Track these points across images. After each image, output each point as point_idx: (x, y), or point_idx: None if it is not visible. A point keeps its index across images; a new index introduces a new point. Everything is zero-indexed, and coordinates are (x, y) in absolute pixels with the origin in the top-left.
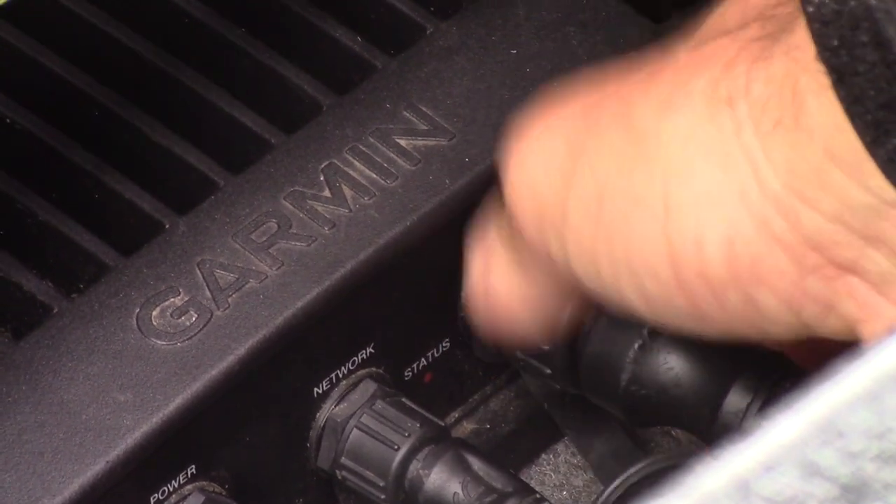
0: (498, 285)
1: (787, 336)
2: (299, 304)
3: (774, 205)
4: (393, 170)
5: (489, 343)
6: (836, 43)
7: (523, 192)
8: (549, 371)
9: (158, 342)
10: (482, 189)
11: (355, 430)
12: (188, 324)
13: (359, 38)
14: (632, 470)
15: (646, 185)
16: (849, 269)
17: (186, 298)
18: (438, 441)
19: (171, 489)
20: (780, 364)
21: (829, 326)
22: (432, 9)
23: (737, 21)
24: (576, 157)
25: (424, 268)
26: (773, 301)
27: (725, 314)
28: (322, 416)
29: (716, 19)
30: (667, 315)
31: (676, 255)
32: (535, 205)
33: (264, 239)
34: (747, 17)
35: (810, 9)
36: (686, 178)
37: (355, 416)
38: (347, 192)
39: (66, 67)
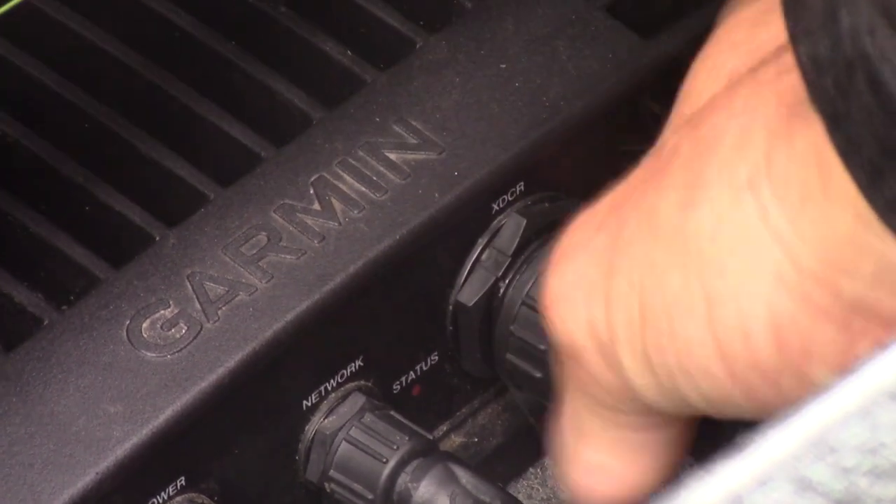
0: (593, 466)
1: None
2: (289, 316)
3: (813, 280)
4: (382, 183)
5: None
6: (831, 89)
7: (570, 329)
8: (539, 374)
9: (148, 354)
10: (471, 203)
11: (344, 443)
12: (178, 336)
13: (348, 52)
14: None
15: (683, 287)
16: None
17: (176, 311)
18: (427, 454)
19: (160, 501)
20: None
21: None
22: (422, 23)
23: (722, 78)
24: (609, 277)
25: (413, 281)
26: (829, 373)
27: (782, 397)
28: (311, 428)
29: (701, 75)
30: (728, 409)
31: (725, 351)
32: (585, 336)
33: (254, 252)
34: (735, 71)
35: (803, 56)
36: (720, 272)
37: (344, 429)
38: (337, 205)
39: (56, 80)
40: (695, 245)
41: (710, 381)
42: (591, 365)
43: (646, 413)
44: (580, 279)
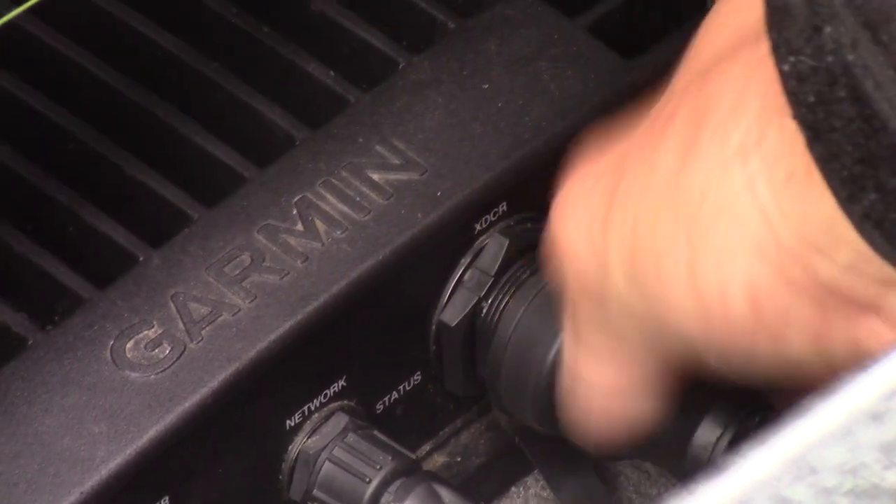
0: (589, 378)
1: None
2: (272, 337)
3: (790, 257)
4: (365, 204)
5: (590, 443)
6: (812, 99)
7: (571, 236)
8: (535, 424)
9: (132, 374)
10: (454, 223)
11: (327, 463)
12: (162, 356)
13: (331, 73)
14: None
15: (672, 234)
16: (871, 310)
17: (160, 331)
18: (409, 474)
19: None
20: (749, 399)
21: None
22: (405, 43)
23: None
24: (609, 207)
25: (396, 301)
26: (802, 345)
27: (756, 362)
28: (294, 448)
29: (709, 34)
30: (698, 361)
31: (703, 300)
32: (584, 246)
33: (237, 272)
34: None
35: (785, 66)
36: (705, 232)
37: (327, 449)
38: (320, 225)
39: (40, 100)
40: (685, 201)
41: (685, 320)
42: (587, 274)
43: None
44: (585, 199)
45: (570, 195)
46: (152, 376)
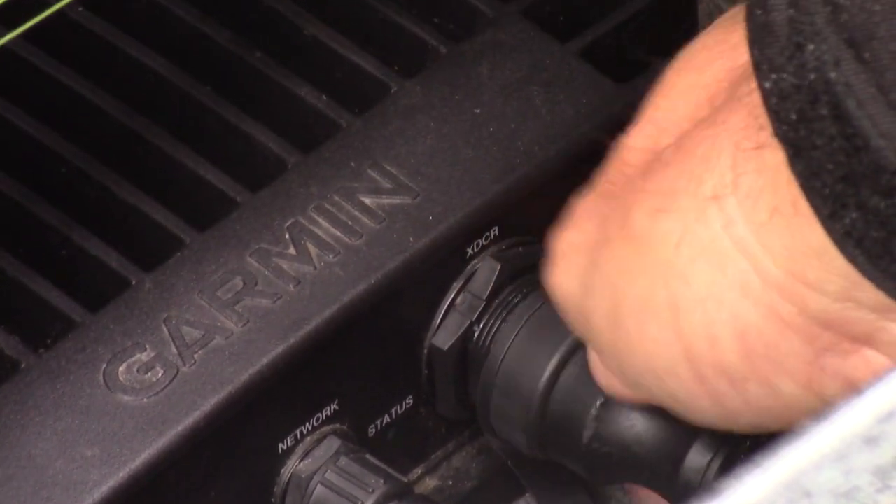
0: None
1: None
2: (264, 360)
3: (778, 292)
4: (357, 228)
5: None
6: (794, 117)
7: (559, 297)
8: (527, 448)
9: (125, 398)
10: (446, 247)
11: (319, 486)
12: (154, 380)
13: (323, 97)
14: None
15: (651, 290)
16: (864, 341)
17: (153, 354)
18: (401, 497)
19: None
20: None
21: None
22: (396, 68)
23: (699, 101)
24: (592, 268)
25: (388, 325)
26: (793, 386)
27: (749, 407)
28: (286, 472)
29: (675, 100)
30: (694, 413)
31: (692, 355)
32: (573, 316)
33: (230, 296)
34: (711, 97)
35: (767, 84)
36: (685, 280)
37: (319, 473)
38: (312, 249)
39: (32, 124)
40: (662, 252)
41: (676, 382)
42: (578, 327)
43: None
44: (572, 251)
45: (558, 250)
46: (145, 400)
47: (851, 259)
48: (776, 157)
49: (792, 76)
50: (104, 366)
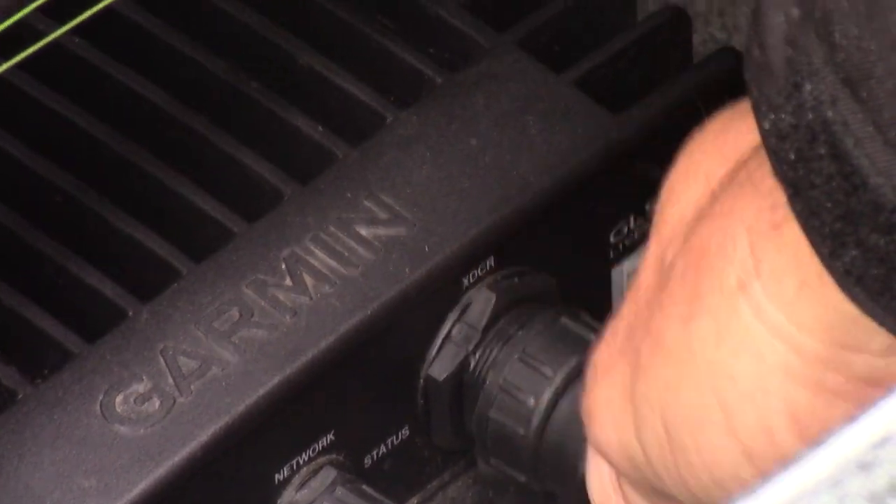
0: None
1: None
2: (261, 391)
3: (821, 365)
4: (354, 259)
5: None
6: (792, 157)
7: (611, 454)
8: (523, 479)
9: (122, 428)
10: (442, 278)
11: None
12: (151, 410)
13: (319, 128)
14: None
15: (699, 398)
16: None
17: (150, 385)
18: None
19: None
20: None
21: None
22: (392, 98)
23: (700, 182)
24: (633, 402)
25: (385, 356)
26: None
27: None
28: (283, 502)
29: (677, 190)
30: None
31: (753, 453)
32: (620, 457)
33: (226, 327)
34: (711, 174)
35: (766, 125)
36: (730, 378)
37: (316, 503)
38: (309, 280)
39: (28, 154)
40: (701, 357)
41: (741, 486)
42: (627, 472)
43: None
44: (608, 404)
45: (592, 412)
46: (142, 430)
47: (852, 297)
48: (793, 231)
49: (790, 115)
50: (101, 396)
